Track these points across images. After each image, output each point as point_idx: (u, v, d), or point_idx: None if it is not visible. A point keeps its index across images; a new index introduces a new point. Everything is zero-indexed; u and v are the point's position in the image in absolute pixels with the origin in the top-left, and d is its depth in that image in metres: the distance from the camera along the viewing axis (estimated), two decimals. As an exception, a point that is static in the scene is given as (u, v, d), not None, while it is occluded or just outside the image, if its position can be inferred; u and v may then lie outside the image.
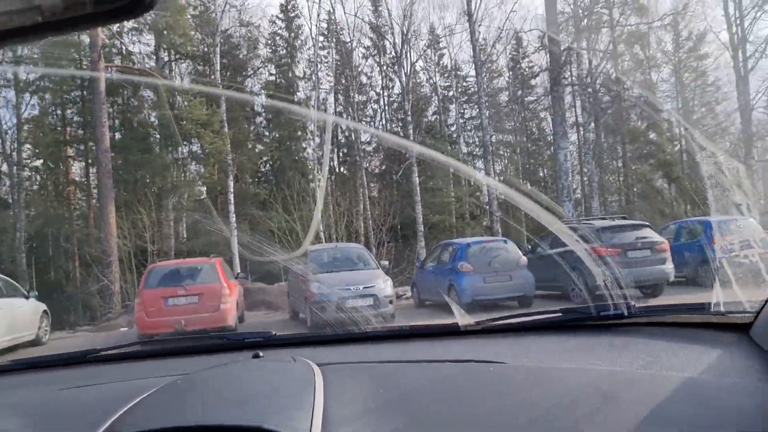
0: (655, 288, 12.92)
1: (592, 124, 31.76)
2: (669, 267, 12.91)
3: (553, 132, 19.48)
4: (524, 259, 13.10)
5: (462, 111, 40.34)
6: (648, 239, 13.07)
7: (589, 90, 28.65)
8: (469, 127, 40.58)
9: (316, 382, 1.19)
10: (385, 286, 12.06)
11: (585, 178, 28.25)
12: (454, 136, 38.85)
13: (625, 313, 1.67)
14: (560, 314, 1.81)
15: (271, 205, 23.59)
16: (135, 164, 23.88)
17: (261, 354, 1.58)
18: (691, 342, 1.47)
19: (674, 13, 25.44)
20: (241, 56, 31.15)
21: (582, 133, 29.78)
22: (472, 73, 35.90)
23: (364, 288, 11.77)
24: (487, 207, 27.64)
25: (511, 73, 39.46)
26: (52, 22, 0.67)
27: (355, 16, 31.83)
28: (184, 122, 21.11)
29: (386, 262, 14.27)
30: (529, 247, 15.27)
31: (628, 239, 12.93)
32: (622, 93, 31.15)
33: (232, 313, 12.11)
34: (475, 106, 36.79)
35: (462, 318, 1.88)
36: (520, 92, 37.73)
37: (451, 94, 39.61)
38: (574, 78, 25.91)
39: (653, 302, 10.12)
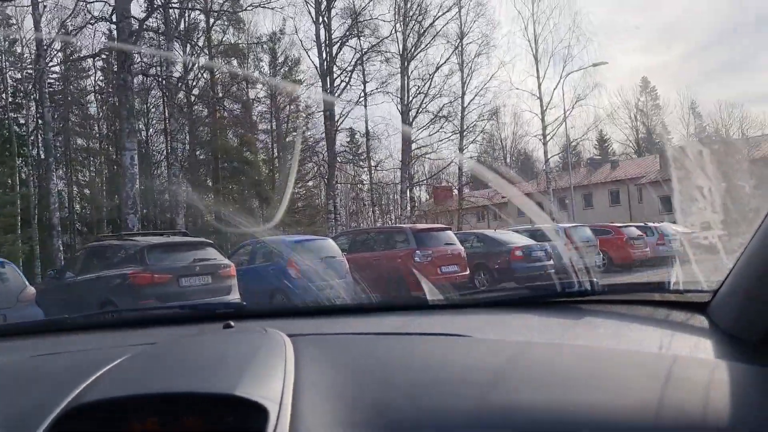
0: None
1: (188, 137, 29.26)
2: (235, 296, 10.61)
3: (120, 129, 15.94)
4: (31, 290, 9.10)
5: (40, 111, 34.01)
6: (209, 262, 10.51)
7: (181, 95, 25.94)
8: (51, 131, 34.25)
9: (287, 353, 1.19)
10: None
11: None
12: (30, 138, 32.29)
13: (590, 290, 1.66)
14: (526, 290, 1.90)
15: None
16: None
17: (232, 324, 1.52)
18: (652, 319, 1.50)
19: (259, 5, 24.44)
20: None
21: (170, 141, 26.76)
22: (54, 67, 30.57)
23: None
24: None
25: (102, 75, 34.77)
26: None
27: None
28: None
29: None
30: (52, 272, 11.27)
31: (183, 262, 10.19)
32: (219, 106, 29.35)
33: None
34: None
35: (430, 293, 1.90)
36: (111, 99, 33.23)
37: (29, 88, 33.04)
38: (156, 70, 22.68)
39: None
